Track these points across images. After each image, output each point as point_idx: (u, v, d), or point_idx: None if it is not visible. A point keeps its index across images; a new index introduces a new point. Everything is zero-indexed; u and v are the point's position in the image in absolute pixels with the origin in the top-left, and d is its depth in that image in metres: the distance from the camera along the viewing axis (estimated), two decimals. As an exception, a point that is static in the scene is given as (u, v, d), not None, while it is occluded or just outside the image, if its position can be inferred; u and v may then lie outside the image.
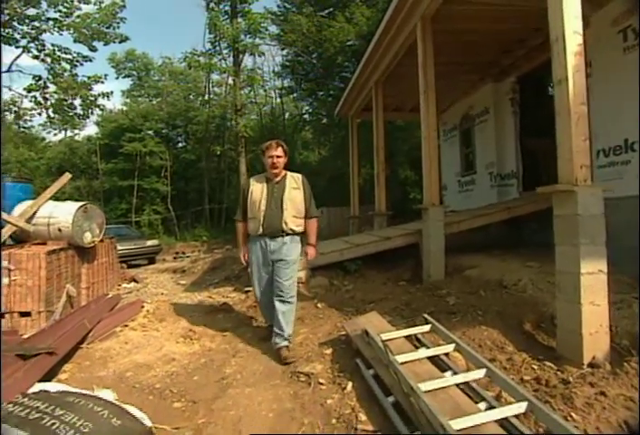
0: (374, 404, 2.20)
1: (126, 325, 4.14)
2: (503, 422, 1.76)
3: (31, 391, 1.95)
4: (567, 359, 2.35)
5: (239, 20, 13.07)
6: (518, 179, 6.83)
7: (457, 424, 1.65)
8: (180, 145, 24.68)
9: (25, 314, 4.03)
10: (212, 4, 12.63)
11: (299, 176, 3.29)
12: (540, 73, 6.63)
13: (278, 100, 21.91)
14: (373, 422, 2.06)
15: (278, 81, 20.33)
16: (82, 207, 4.88)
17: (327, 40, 11.83)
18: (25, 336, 3.52)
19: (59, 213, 4.71)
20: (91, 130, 36.52)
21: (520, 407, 1.76)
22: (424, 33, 4.82)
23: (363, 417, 2.11)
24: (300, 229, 3.20)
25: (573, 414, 1.74)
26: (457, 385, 2.01)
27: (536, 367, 2.25)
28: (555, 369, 2.21)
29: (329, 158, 18.19)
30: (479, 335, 2.74)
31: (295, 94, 17.66)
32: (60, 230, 4.66)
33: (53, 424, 1.62)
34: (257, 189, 3.17)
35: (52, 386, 2.06)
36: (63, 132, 23.91)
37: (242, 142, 14.40)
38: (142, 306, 4.71)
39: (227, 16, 13.24)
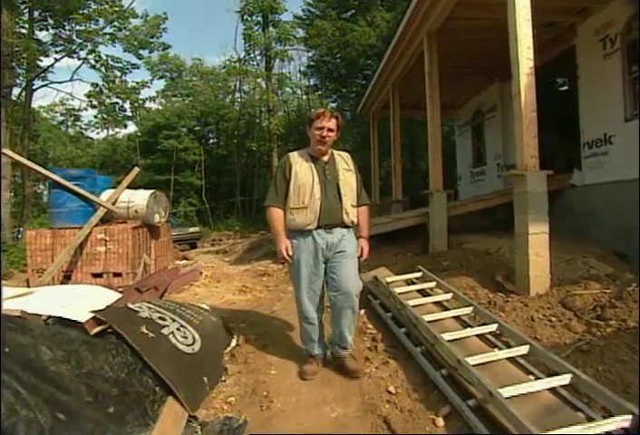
0: (379, 321, 3.25)
1: (191, 285, 5.34)
2: (459, 321, 2.76)
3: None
4: (518, 294, 3.31)
5: (271, 29, 14.30)
6: (521, 169, 7.61)
7: (427, 318, 2.67)
8: (212, 141, 26.21)
9: (117, 275, 5.28)
10: (246, 16, 13.87)
11: (347, 155, 2.64)
12: (541, 73, 7.36)
13: (304, 97, 23.00)
14: (377, 329, 3.10)
15: (305, 79, 21.44)
16: (152, 193, 6.11)
17: (350, 43, 12.80)
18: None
19: (135, 198, 5.95)
20: (130, 128, 38.71)
21: (467, 311, 2.76)
22: (430, 45, 5.74)
23: (370, 326, 3.16)
24: (356, 220, 2.56)
25: (501, 314, 2.73)
26: (433, 303, 3.03)
27: (491, 296, 3.24)
28: (504, 297, 3.18)
29: (352, 151, 19.11)
30: (458, 282, 3.71)
31: (320, 92, 18.72)
32: (137, 212, 5.89)
33: (183, 312, 2.73)
34: (304, 170, 2.46)
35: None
36: (105, 131, 25.89)
37: (274, 139, 15.65)
38: (201, 273, 5.92)
39: (259, 26, 14.49)
